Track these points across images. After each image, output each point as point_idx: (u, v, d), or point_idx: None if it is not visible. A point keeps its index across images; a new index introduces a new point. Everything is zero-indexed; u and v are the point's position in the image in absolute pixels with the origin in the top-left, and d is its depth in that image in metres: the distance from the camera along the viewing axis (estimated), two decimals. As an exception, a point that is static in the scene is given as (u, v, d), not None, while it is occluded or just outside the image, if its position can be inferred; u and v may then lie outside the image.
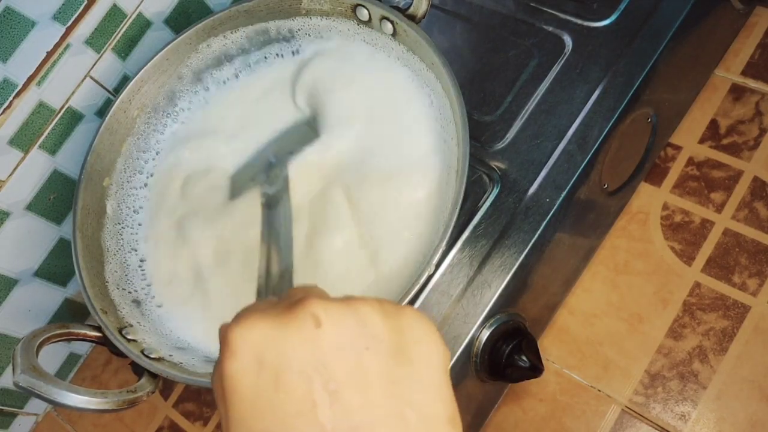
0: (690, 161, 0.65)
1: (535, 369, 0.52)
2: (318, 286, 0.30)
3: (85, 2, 0.59)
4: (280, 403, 0.25)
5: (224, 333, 0.26)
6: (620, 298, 0.62)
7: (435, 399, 0.26)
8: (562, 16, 0.61)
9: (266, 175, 0.56)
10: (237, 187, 0.59)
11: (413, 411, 0.26)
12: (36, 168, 0.62)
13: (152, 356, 0.50)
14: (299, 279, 0.53)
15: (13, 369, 0.43)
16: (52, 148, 0.62)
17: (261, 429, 0.25)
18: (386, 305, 0.27)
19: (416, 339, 0.27)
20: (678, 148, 0.66)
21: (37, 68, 0.58)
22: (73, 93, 0.62)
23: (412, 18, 0.53)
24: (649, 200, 0.64)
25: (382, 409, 0.25)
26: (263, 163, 0.59)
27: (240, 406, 0.25)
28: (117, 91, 0.64)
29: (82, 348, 0.77)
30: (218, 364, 0.27)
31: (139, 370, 0.49)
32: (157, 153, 0.63)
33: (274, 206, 0.51)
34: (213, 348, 0.53)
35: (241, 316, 0.27)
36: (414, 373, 0.26)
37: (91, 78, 0.63)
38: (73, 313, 0.72)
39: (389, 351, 0.26)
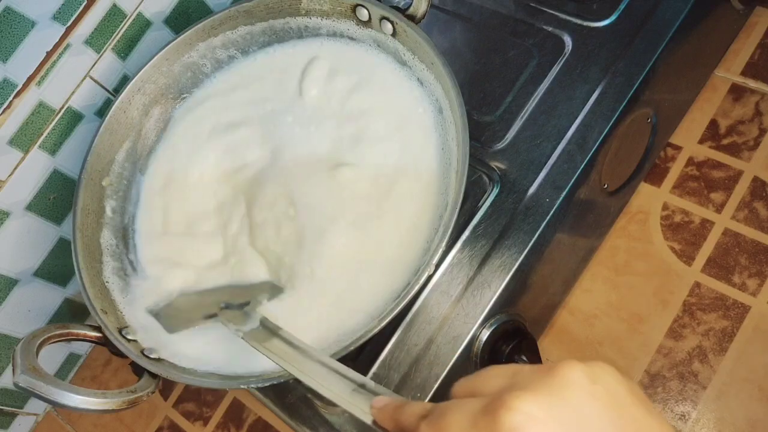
0: (690, 161, 0.65)
1: (535, 369, 0.52)
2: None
3: (85, 2, 0.59)
4: None
5: (509, 410, 0.26)
6: (620, 298, 0.62)
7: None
8: (562, 16, 0.61)
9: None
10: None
11: None
12: (36, 168, 0.62)
13: (152, 356, 0.50)
14: (307, 281, 0.53)
15: (13, 369, 0.43)
16: (52, 148, 0.62)
17: None
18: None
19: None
20: (678, 148, 0.66)
21: (37, 68, 0.58)
22: (73, 93, 0.62)
23: (411, 18, 0.53)
24: (649, 200, 0.64)
25: None
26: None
27: None
28: (117, 91, 0.64)
29: (82, 348, 0.77)
30: None
31: (139, 370, 0.49)
32: (156, 153, 0.63)
33: (269, 338, 0.45)
34: (212, 348, 0.53)
35: (497, 402, 0.26)
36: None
37: (91, 78, 0.63)
38: (73, 313, 0.72)
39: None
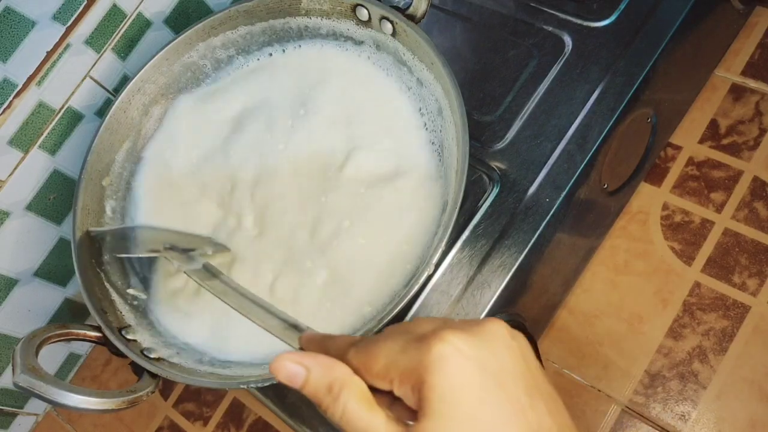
0: (690, 161, 0.65)
1: (535, 369, 0.52)
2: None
3: (85, 2, 0.59)
4: (500, 401, 0.29)
5: (441, 340, 0.29)
6: (620, 298, 0.62)
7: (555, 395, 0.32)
8: (562, 16, 0.61)
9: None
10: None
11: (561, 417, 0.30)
12: (36, 168, 0.62)
13: (152, 356, 0.50)
14: (307, 275, 0.53)
15: (13, 369, 0.43)
16: (52, 148, 0.62)
17: (488, 420, 0.28)
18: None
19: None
20: (678, 148, 0.66)
21: (37, 68, 0.58)
22: (73, 93, 0.62)
23: (411, 18, 0.53)
24: (649, 200, 0.64)
25: (557, 417, 0.30)
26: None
27: (468, 400, 0.28)
28: (117, 91, 0.64)
29: (82, 348, 0.77)
30: (438, 368, 0.29)
31: (138, 370, 0.49)
32: (156, 152, 0.63)
33: (211, 278, 0.49)
34: (212, 347, 0.53)
35: (431, 335, 0.29)
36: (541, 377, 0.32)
37: (91, 78, 0.63)
38: (73, 313, 0.72)
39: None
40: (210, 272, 0.49)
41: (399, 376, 0.29)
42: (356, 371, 0.31)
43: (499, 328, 0.31)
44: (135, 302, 0.56)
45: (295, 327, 0.37)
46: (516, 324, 0.54)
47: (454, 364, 0.28)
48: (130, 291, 0.56)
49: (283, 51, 0.63)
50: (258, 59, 0.63)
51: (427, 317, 0.34)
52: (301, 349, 0.35)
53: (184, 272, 0.49)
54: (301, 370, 0.31)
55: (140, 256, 0.56)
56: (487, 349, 0.30)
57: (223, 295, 0.44)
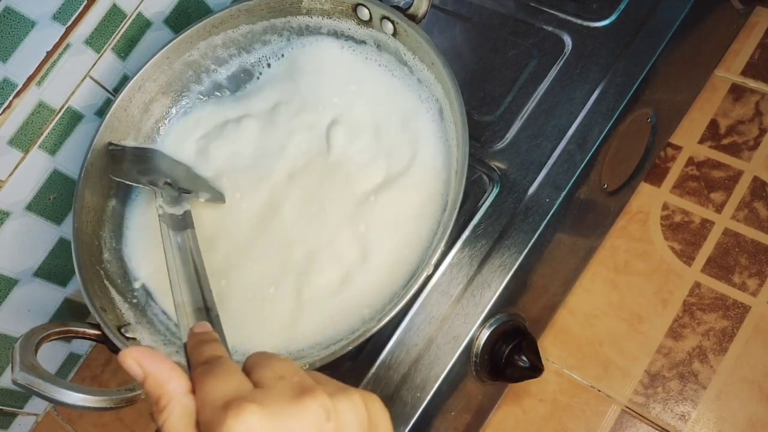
0: (690, 161, 0.65)
1: (535, 369, 0.52)
2: (292, 364, 0.31)
3: (85, 2, 0.59)
4: None
5: (218, 425, 0.27)
6: (620, 298, 0.62)
7: None
8: (562, 16, 0.61)
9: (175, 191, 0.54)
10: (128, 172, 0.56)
11: None
12: (36, 168, 0.62)
13: (151, 355, 0.50)
14: (300, 277, 0.53)
15: (12, 367, 0.42)
16: (52, 148, 0.62)
17: None
18: (364, 395, 0.30)
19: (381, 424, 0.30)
20: (678, 148, 0.66)
21: (37, 68, 0.58)
22: (73, 93, 0.62)
23: (412, 18, 0.53)
24: (649, 200, 0.64)
25: None
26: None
27: None
28: (117, 91, 0.63)
29: (82, 348, 0.77)
30: None
31: (138, 369, 0.49)
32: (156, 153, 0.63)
33: (178, 229, 0.49)
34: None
35: (235, 406, 0.27)
36: None
37: (91, 78, 0.63)
38: (72, 312, 0.72)
39: None
40: (184, 222, 0.49)
41: (202, 423, 0.28)
42: (193, 389, 0.30)
43: (317, 410, 0.28)
44: (134, 300, 0.56)
45: (205, 310, 0.38)
46: (516, 324, 0.54)
47: None
48: (137, 284, 0.56)
49: (284, 51, 0.63)
50: (258, 58, 0.64)
51: (282, 361, 0.31)
52: (185, 344, 0.35)
53: (159, 215, 0.49)
54: (139, 372, 0.31)
55: (135, 185, 0.57)
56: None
57: (171, 252, 0.44)
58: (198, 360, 0.32)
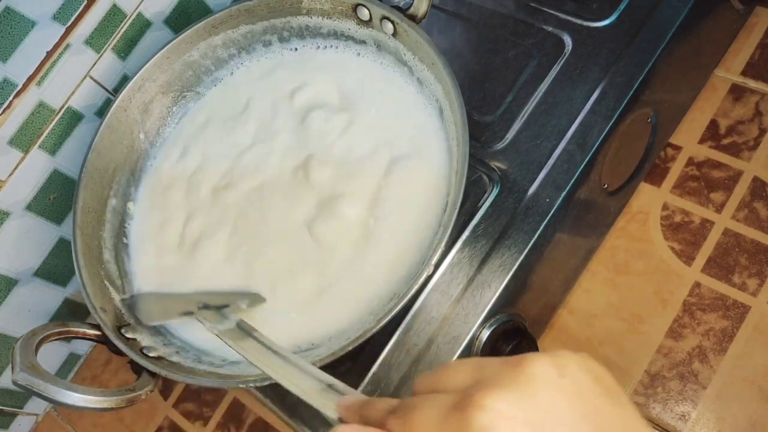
0: (690, 161, 0.65)
1: (535, 369, 0.52)
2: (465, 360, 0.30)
3: (85, 2, 0.59)
4: None
5: (479, 408, 0.25)
6: (620, 298, 0.62)
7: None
8: (562, 16, 0.61)
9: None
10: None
11: None
12: (36, 168, 0.62)
13: (151, 355, 0.50)
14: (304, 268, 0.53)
15: (12, 367, 0.42)
16: (52, 148, 0.62)
17: None
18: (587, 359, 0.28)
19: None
20: (678, 148, 0.66)
21: (37, 68, 0.58)
22: (73, 93, 0.62)
23: (412, 18, 0.53)
24: (649, 200, 0.64)
25: None
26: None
27: None
28: (117, 91, 0.64)
29: (82, 348, 0.77)
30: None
31: (138, 369, 0.49)
32: (156, 152, 0.63)
33: (244, 338, 0.46)
34: (211, 346, 0.53)
35: (483, 396, 0.26)
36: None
37: (91, 78, 0.63)
38: (73, 313, 0.72)
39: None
40: (243, 330, 0.47)
41: None
42: None
43: (542, 367, 0.26)
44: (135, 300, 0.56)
45: (331, 387, 0.35)
46: (516, 324, 0.54)
47: None
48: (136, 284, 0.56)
49: (284, 51, 0.63)
50: (257, 58, 0.64)
51: (459, 362, 0.29)
52: (340, 419, 0.33)
53: (216, 335, 0.47)
54: None
55: (175, 319, 0.54)
56: (535, 402, 0.26)
57: (255, 356, 0.42)
58: (379, 418, 0.30)
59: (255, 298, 0.54)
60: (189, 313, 0.51)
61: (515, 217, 0.54)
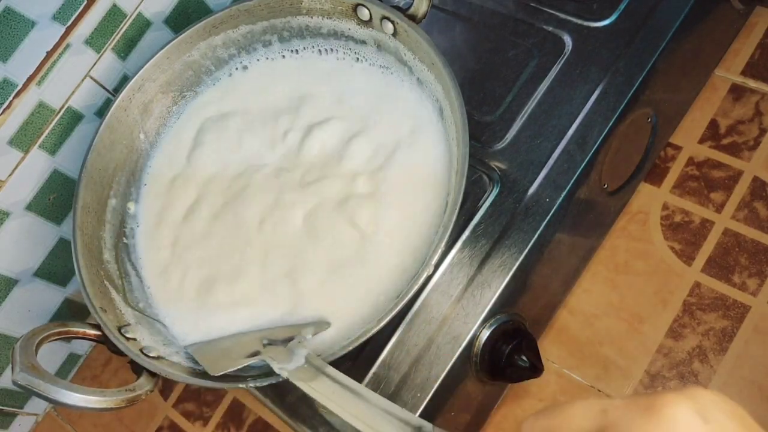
0: (690, 161, 0.65)
1: (535, 369, 0.52)
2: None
3: (85, 2, 0.59)
4: None
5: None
6: (620, 298, 0.62)
7: None
8: (562, 16, 0.61)
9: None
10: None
11: None
12: (36, 168, 0.62)
13: (151, 355, 0.50)
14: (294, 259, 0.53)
15: (12, 367, 0.42)
16: (52, 148, 0.62)
17: None
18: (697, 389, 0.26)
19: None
20: (678, 148, 0.66)
21: (37, 68, 0.58)
22: (73, 93, 0.62)
23: (412, 18, 0.53)
24: (649, 200, 0.64)
25: None
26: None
27: None
28: (117, 91, 0.64)
29: (82, 348, 0.77)
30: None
31: (138, 369, 0.49)
32: (156, 152, 0.63)
33: (317, 377, 0.42)
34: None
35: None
36: None
37: (91, 78, 0.63)
38: (73, 313, 0.72)
39: None
40: (314, 366, 0.43)
41: None
42: None
43: (683, 412, 0.23)
44: (135, 302, 0.56)
45: (419, 429, 0.33)
46: (516, 324, 0.54)
47: None
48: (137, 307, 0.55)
49: (284, 51, 0.63)
50: (258, 58, 0.64)
51: (576, 405, 0.25)
52: None
53: (287, 377, 0.43)
54: None
55: (242, 365, 0.48)
56: None
57: (330, 397, 0.39)
58: None
59: (320, 325, 0.50)
60: (256, 354, 0.47)
61: (515, 217, 0.54)
